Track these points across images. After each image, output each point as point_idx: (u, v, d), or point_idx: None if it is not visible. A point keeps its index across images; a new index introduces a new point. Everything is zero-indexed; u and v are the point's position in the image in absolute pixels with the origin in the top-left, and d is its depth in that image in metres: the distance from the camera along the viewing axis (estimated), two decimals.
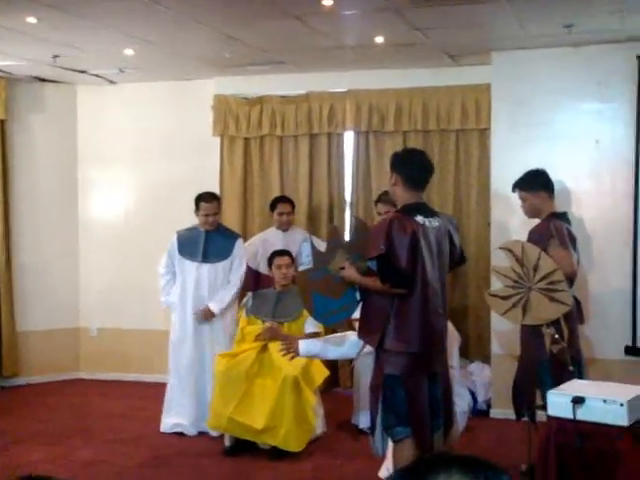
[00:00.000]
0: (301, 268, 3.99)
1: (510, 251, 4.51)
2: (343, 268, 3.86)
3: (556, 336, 4.43)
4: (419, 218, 3.79)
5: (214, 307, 5.75)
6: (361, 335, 3.90)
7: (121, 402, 6.78)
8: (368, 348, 3.93)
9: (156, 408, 6.37)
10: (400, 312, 3.73)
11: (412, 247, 3.67)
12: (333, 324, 4.46)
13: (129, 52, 6.10)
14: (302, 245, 4.03)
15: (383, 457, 4.25)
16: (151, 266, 7.25)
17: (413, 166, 3.94)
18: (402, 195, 3.92)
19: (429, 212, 3.92)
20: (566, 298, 4.35)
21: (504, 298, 4.53)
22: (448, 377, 3.98)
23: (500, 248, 4.70)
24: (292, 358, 4.26)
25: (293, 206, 6.55)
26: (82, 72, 6.94)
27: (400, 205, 3.94)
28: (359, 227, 4.19)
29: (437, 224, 3.87)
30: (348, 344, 4.07)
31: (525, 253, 4.42)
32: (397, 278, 3.68)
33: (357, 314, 4.15)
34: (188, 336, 5.80)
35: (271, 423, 5.14)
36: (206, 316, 5.76)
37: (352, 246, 3.97)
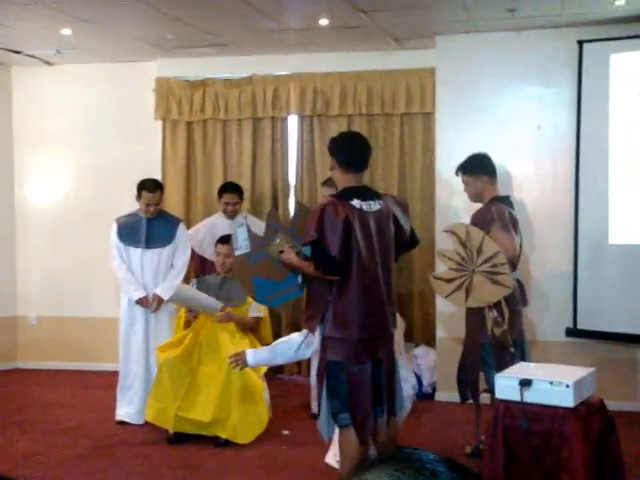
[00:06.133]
0: (237, 252, 3.97)
1: (454, 234, 4.52)
2: (282, 252, 3.83)
3: (498, 319, 4.46)
4: (355, 202, 3.74)
5: (163, 293, 5.59)
6: (304, 322, 3.89)
7: (61, 391, 6.62)
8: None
9: (98, 397, 6.27)
10: (338, 298, 3.72)
11: (344, 233, 3.64)
12: (278, 307, 4.45)
13: (66, 32, 5.92)
14: (238, 229, 3.99)
15: (329, 443, 4.25)
16: (91, 252, 7.12)
17: (347, 148, 3.92)
18: (340, 179, 3.90)
19: (369, 195, 3.86)
20: (507, 281, 4.38)
21: (448, 281, 4.54)
22: (393, 363, 3.96)
23: (445, 231, 4.71)
24: (242, 369, 4.32)
25: (241, 195, 6.44)
26: (17, 52, 6.71)
27: (339, 189, 3.91)
28: (300, 210, 4.18)
29: (378, 207, 3.82)
30: (296, 347, 4.05)
31: (469, 236, 4.43)
32: (328, 265, 3.66)
33: None
34: (137, 325, 5.66)
35: (219, 415, 5.08)
36: (157, 304, 5.61)
37: (293, 229, 3.94)
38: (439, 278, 4.65)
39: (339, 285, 3.70)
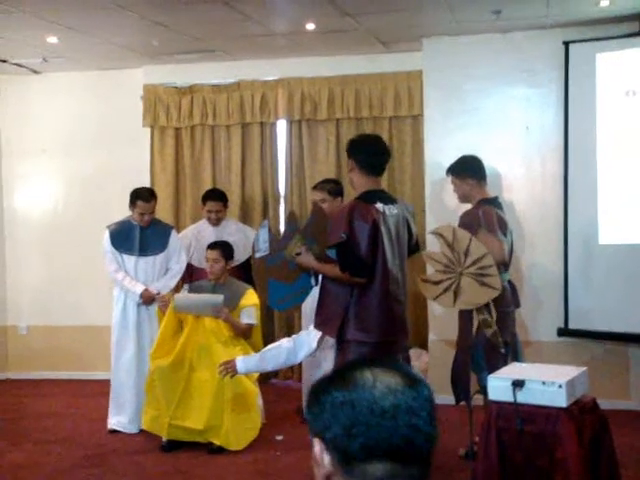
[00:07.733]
0: (257, 255, 3.96)
1: (441, 236, 4.50)
2: (299, 254, 3.81)
3: (488, 319, 4.45)
4: (379, 205, 3.77)
5: (162, 290, 5.62)
6: (318, 325, 3.84)
7: (54, 401, 6.58)
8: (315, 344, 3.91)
9: (91, 406, 6.24)
10: (360, 301, 3.70)
11: (373, 235, 3.65)
12: (285, 310, 4.43)
13: (53, 40, 5.90)
14: (259, 230, 4.00)
15: None
16: (81, 260, 7.10)
17: (368, 151, 3.91)
18: (359, 181, 3.89)
19: (388, 199, 3.91)
20: (496, 282, 4.35)
21: (436, 283, 4.52)
22: (409, 363, 3.99)
23: (431, 233, 4.70)
24: (232, 377, 4.25)
25: (225, 202, 6.39)
26: (3, 61, 6.69)
27: (358, 192, 3.89)
28: (316, 213, 4.16)
29: (396, 211, 3.86)
30: (286, 352, 4.03)
31: (456, 238, 4.41)
32: (357, 267, 3.65)
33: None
34: (129, 333, 5.64)
35: (212, 422, 5.06)
36: (148, 298, 5.59)
37: (307, 231, 3.93)
38: (426, 280, 4.63)
39: (362, 287, 3.68)
